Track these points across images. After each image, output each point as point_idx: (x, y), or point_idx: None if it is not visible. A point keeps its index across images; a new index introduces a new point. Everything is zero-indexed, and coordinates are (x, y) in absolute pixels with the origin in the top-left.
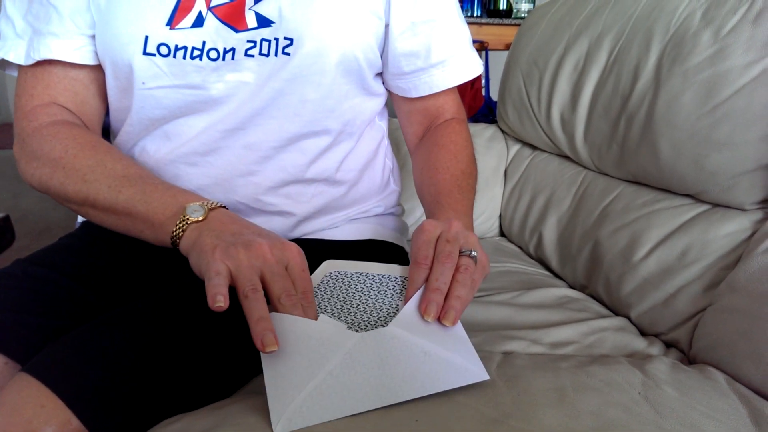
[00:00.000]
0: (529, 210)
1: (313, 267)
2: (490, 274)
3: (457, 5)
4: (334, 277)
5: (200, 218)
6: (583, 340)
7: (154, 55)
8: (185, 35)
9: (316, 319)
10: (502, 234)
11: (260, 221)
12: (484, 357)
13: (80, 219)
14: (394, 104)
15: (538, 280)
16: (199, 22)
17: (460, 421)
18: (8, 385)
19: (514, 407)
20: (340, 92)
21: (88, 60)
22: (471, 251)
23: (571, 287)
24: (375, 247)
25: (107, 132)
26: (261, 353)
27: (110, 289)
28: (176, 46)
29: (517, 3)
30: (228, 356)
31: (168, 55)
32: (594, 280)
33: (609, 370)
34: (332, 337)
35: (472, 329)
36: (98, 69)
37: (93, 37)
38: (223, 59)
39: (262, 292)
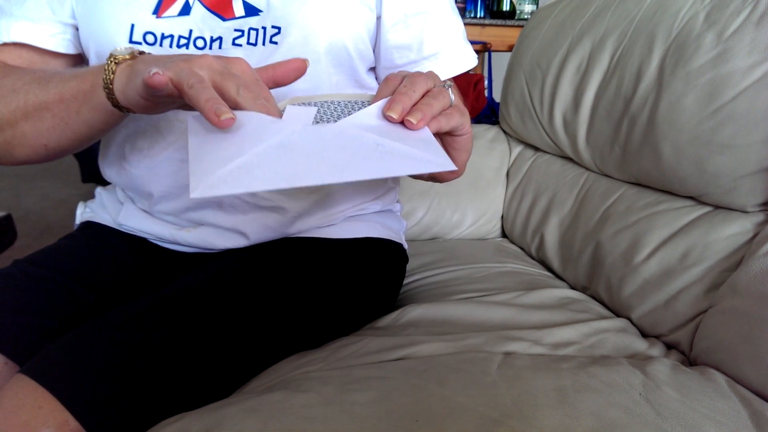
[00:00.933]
0: (531, 211)
1: (309, 267)
2: (491, 274)
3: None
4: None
5: (128, 56)
6: (584, 341)
7: (140, 43)
8: (171, 24)
9: (280, 116)
10: (503, 235)
11: (256, 217)
12: (485, 357)
13: (78, 220)
14: None
15: (539, 280)
16: (185, 10)
17: (459, 422)
18: (6, 386)
19: (514, 408)
20: (330, 83)
21: (63, 48)
22: (446, 83)
23: (573, 288)
24: (372, 245)
25: None
26: (189, 135)
27: (109, 289)
28: (162, 34)
29: (520, 4)
30: (226, 356)
31: (154, 43)
32: (595, 281)
33: (610, 371)
34: (274, 123)
35: (472, 329)
36: (74, 59)
37: (71, 26)
38: (210, 48)
39: (210, 86)
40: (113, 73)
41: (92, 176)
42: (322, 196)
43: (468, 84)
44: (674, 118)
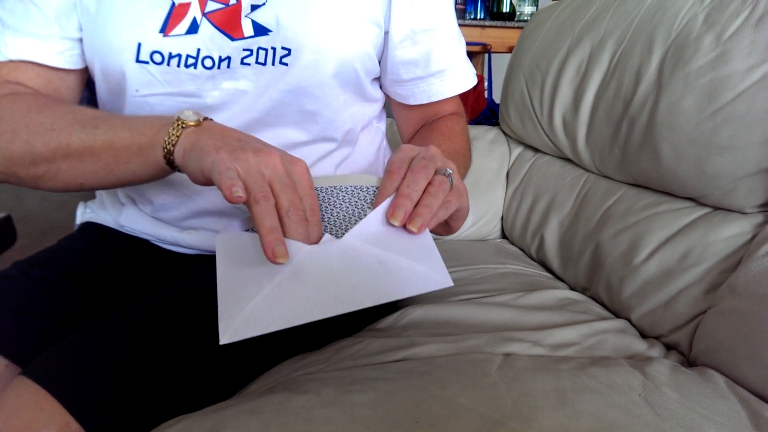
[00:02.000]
0: (531, 212)
1: None
2: (491, 276)
3: (455, 15)
4: None
5: (195, 122)
6: (583, 342)
7: (147, 63)
8: (179, 42)
9: (318, 240)
10: (503, 236)
11: None
12: (485, 359)
13: (79, 221)
14: (391, 106)
15: (539, 281)
16: (193, 28)
17: (460, 423)
18: (7, 388)
19: (514, 409)
20: (338, 102)
21: (71, 65)
22: (447, 170)
23: (573, 289)
24: None
25: None
26: (218, 275)
27: (110, 291)
28: (170, 54)
29: (520, 6)
30: (227, 358)
31: (162, 63)
32: (595, 282)
33: (609, 372)
34: (289, 246)
35: (472, 330)
36: (82, 73)
37: (79, 40)
38: (219, 67)
39: (274, 201)
40: (177, 137)
41: None
42: None
43: None
44: (673, 119)
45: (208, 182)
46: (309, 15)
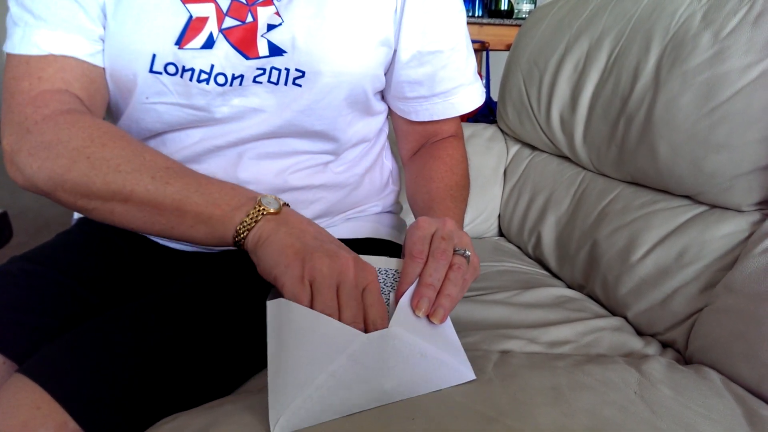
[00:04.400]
0: (528, 210)
1: None
2: (488, 273)
3: (467, 33)
4: None
5: (275, 210)
6: (580, 340)
7: (160, 73)
8: (194, 56)
9: None
10: (501, 234)
11: None
12: (482, 356)
13: (76, 216)
14: (392, 118)
15: (536, 279)
16: (209, 43)
17: (456, 420)
18: (4, 386)
19: (509, 406)
20: (344, 121)
21: (101, 61)
22: (465, 251)
23: (569, 287)
24: (372, 245)
25: None
26: (269, 347)
27: (108, 287)
28: (184, 67)
29: (518, 3)
30: (225, 356)
31: (175, 74)
32: (592, 280)
33: (605, 370)
34: (336, 335)
35: (469, 328)
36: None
37: (102, 39)
38: (231, 85)
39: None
40: (255, 222)
41: None
42: (324, 207)
43: None
44: (671, 117)
45: (273, 280)
46: (325, 38)
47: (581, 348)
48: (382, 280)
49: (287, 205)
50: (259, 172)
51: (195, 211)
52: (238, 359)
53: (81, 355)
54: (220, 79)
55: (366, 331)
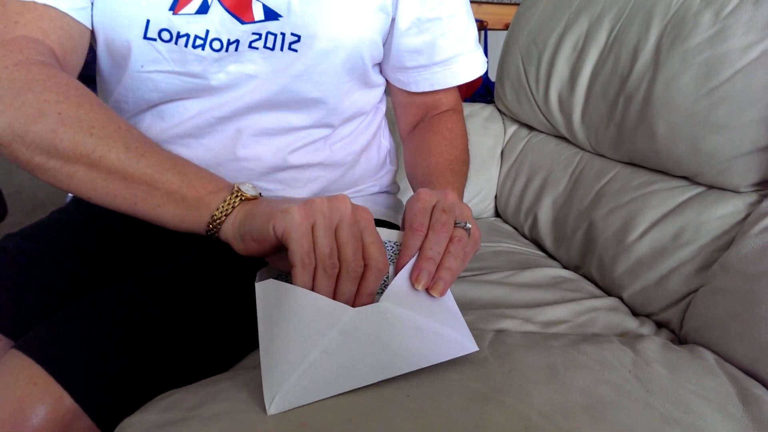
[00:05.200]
0: (525, 191)
1: None
2: (484, 254)
3: (467, 1)
4: None
5: (252, 196)
6: (575, 320)
7: (155, 40)
8: (188, 21)
9: (374, 292)
10: (497, 214)
11: None
12: (477, 335)
13: (71, 194)
14: (390, 93)
15: (532, 260)
16: (203, 8)
17: (450, 396)
18: (0, 362)
19: (504, 383)
20: (342, 90)
21: (88, 23)
22: (465, 223)
23: (565, 268)
24: None
25: None
26: (259, 328)
27: (103, 265)
28: (178, 33)
29: None
30: (221, 332)
31: (170, 41)
32: (588, 260)
33: (600, 349)
34: (327, 310)
35: (465, 307)
36: (89, 35)
37: (91, 4)
38: (227, 50)
39: (338, 267)
40: (233, 207)
41: None
42: (321, 185)
43: None
44: (670, 97)
45: (261, 249)
46: (320, 2)
47: (576, 328)
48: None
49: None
50: (257, 150)
51: (167, 188)
52: (233, 336)
53: (77, 331)
54: (216, 45)
55: (365, 270)
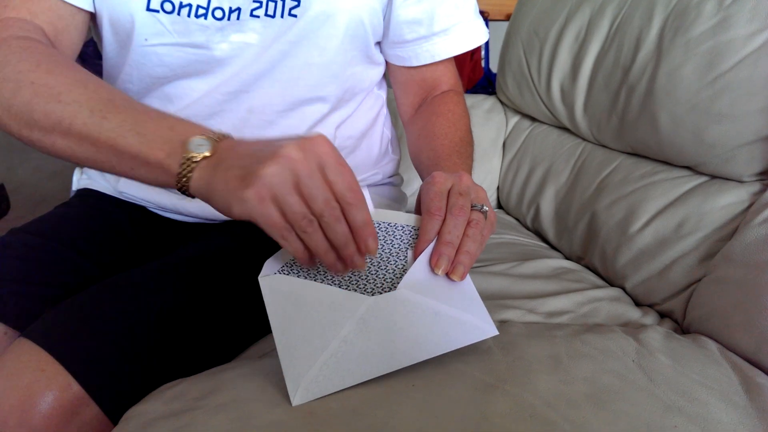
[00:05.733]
0: (527, 182)
1: None
2: (487, 245)
3: None
4: None
5: (207, 153)
6: (578, 310)
7: (157, 11)
8: None
9: (371, 223)
10: (499, 206)
11: None
12: None
13: (75, 188)
14: (390, 75)
15: (534, 251)
16: None
17: (456, 386)
18: (8, 349)
19: (509, 373)
20: (344, 58)
21: (81, 3)
22: (482, 206)
23: (568, 258)
24: None
25: None
26: (271, 321)
27: (109, 259)
28: (180, 3)
29: None
30: (228, 322)
31: (172, 12)
32: (590, 251)
33: (603, 339)
34: (343, 301)
35: None
36: (87, 15)
37: None
38: (228, 19)
39: (316, 221)
40: (191, 172)
41: None
42: None
43: (464, 54)
44: (673, 87)
45: (245, 220)
46: None
47: (579, 318)
48: (399, 237)
49: (225, 136)
50: (266, 133)
51: (130, 152)
52: (239, 326)
53: (84, 319)
54: (218, 13)
55: (344, 210)
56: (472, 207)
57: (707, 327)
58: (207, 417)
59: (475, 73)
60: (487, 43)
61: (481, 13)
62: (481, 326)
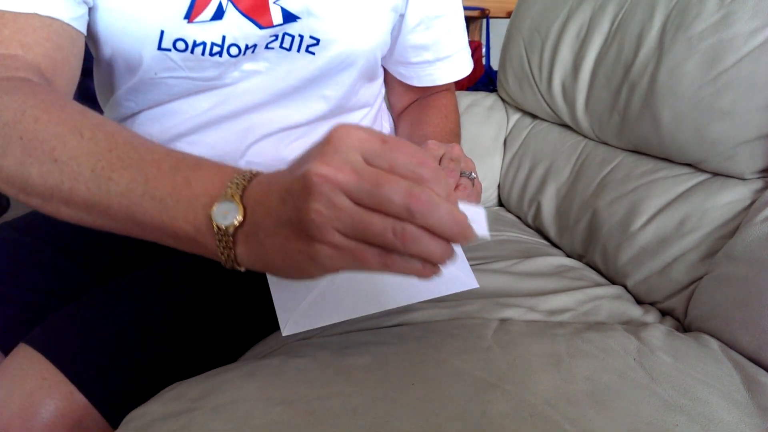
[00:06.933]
0: (528, 179)
1: None
2: (488, 243)
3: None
4: None
5: (237, 223)
6: (579, 308)
7: (169, 50)
8: (204, 29)
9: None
10: (500, 204)
11: None
12: (481, 324)
13: None
14: (386, 80)
15: (535, 249)
16: (218, 14)
17: (455, 385)
18: (9, 356)
19: (509, 372)
20: (353, 90)
21: (83, 29)
22: (471, 173)
23: (569, 256)
24: None
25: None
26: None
27: (101, 265)
28: (194, 41)
29: None
30: (230, 325)
31: (185, 50)
32: (591, 249)
33: (604, 337)
34: None
35: (468, 296)
36: (83, 39)
37: (87, 7)
38: (244, 54)
39: (409, 225)
40: (232, 249)
41: None
42: None
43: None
44: (674, 84)
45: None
46: (339, 4)
47: (580, 316)
48: None
49: (248, 180)
50: (264, 149)
51: (152, 224)
52: (240, 329)
53: (85, 326)
54: (233, 51)
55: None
56: (461, 174)
57: (709, 325)
58: (206, 417)
59: (475, 70)
60: (488, 41)
61: (482, 10)
62: (462, 278)
